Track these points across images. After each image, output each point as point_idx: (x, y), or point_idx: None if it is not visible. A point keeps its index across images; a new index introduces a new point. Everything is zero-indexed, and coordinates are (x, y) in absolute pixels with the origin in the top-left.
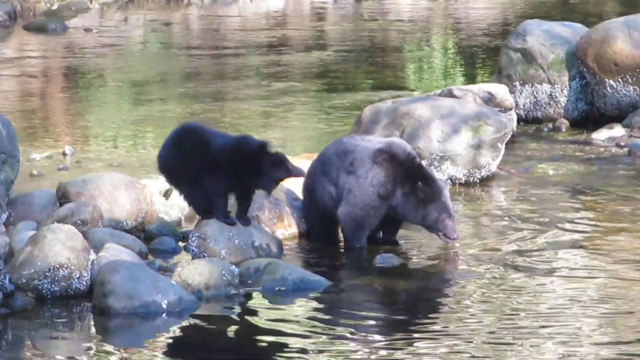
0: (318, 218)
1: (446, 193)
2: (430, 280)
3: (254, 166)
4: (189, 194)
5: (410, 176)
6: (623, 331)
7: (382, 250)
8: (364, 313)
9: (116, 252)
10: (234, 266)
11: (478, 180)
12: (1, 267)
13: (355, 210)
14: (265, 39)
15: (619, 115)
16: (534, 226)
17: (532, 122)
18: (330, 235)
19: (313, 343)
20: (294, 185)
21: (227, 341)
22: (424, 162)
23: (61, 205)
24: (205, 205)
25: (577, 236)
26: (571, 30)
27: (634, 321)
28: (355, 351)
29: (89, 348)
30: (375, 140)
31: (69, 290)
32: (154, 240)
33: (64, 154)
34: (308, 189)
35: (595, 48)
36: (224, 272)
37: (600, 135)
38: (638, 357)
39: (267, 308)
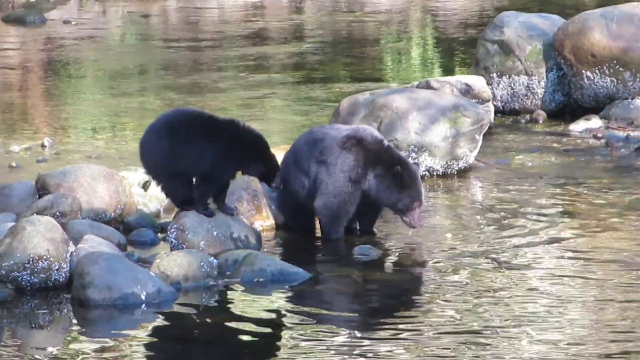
0: (293, 209)
1: (419, 178)
2: (408, 271)
3: (264, 164)
4: (169, 185)
5: (380, 159)
6: (601, 327)
7: (360, 241)
8: (342, 305)
9: (95, 243)
10: (212, 258)
11: (455, 172)
12: None
13: (330, 200)
14: (243, 31)
15: (596, 107)
16: (512, 218)
17: (509, 114)
18: (307, 226)
19: (291, 335)
20: None
21: (206, 332)
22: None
23: (40, 196)
24: (185, 197)
25: (555, 228)
26: (548, 22)
27: (612, 316)
28: (334, 343)
29: (68, 339)
30: (344, 128)
31: (48, 281)
32: (133, 232)
33: (43, 145)
34: (282, 179)
35: (572, 40)
36: (202, 263)
37: (578, 126)
38: (616, 356)
39: (246, 300)
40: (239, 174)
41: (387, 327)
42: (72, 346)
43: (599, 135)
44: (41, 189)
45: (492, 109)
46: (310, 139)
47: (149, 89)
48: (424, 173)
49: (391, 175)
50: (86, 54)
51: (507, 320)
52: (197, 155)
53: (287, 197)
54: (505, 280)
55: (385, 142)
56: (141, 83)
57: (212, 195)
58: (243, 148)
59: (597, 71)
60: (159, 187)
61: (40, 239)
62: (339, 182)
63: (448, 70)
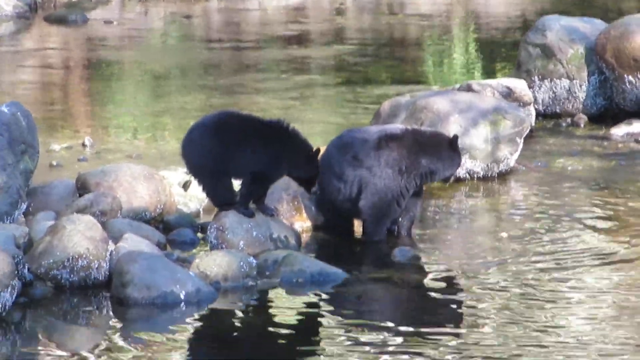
0: (329, 211)
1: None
2: (448, 275)
3: (311, 162)
4: (211, 185)
5: (421, 141)
6: None
7: (399, 243)
8: (381, 307)
9: (135, 242)
10: (252, 258)
11: (496, 175)
12: (20, 257)
13: (379, 198)
14: (284, 32)
15: (637, 111)
16: (553, 221)
17: (550, 117)
18: (345, 227)
19: (330, 336)
20: None
21: (245, 332)
22: None
23: (80, 195)
24: (227, 198)
25: (596, 233)
26: (590, 26)
27: None
28: (373, 345)
29: (107, 338)
30: (372, 131)
31: (87, 280)
32: (173, 232)
33: (84, 145)
34: (319, 182)
35: (614, 43)
36: (242, 263)
37: (619, 130)
38: None
39: (285, 300)
40: None
41: (425, 331)
42: (110, 344)
43: None
44: (81, 188)
45: (533, 112)
46: (341, 143)
47: (189, 89)
48: (464, 175)
49: (448, 146)
50: (127, 54)
51: (548, 324)
52: (249, 157)
53: (324, 199)
54: (547, 284)
55: (409, 127)
56: (182, 83)
57: (257, 195)
58: (295, 151)
59: (638, 75)
60: (200, 187)
61: (80, 238)
62: (388, 180)
63: (489, 73)
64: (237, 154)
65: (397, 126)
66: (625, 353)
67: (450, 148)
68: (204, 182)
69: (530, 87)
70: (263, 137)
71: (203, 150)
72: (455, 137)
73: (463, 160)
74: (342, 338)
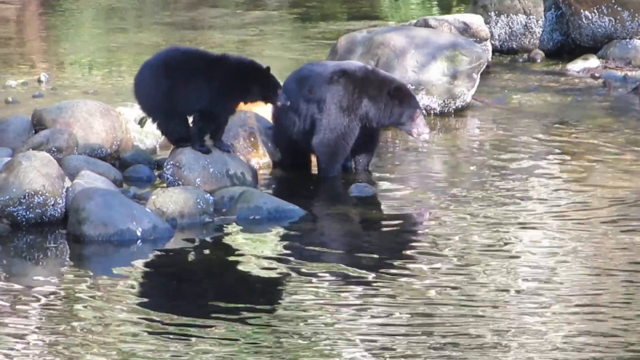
0: (286, 146)
1: (409, 89)
2: (404, 209)
3: (262, 86)
4: (165, 123)
5: (369, 82)
6: (594, 261)
7: (356, 179)
8: (338, 242)
9: (91, 179)
10: (208, 195)
11: (453, 111)
12: None
13: (327, 135)
14: None
15: (594, 47)
16: (509, 157)
17: (507, 53)
18: (302, 163)
19: (286, 272)
20: (268, 114)
21: (201, 269)
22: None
23: (36, 132)
24: (181, 134)
25: (553, 168)
26: None
27: (610, 256)
28: (329, 280)
29: (63, 275)
30: (330, 65)
31: (43, 217)
32: (129, 168)
33: (40, 80)
34: (275, 117)
35: None
36: (198, 200)
37: (575, 66)
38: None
39: (241, 237)
40: (238, 109)
41: (382, 264)
42: (67, 281)
43: (597, 74)
44: (37, 124)
45: (490, 47)
46: (299, 77)
47: (145, 25)
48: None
49: (387, 94)
50: None
51: (504, 257)
52: (195, 93)
53: (281, 134)
54: (503, 219)
55: (369, 67)
56: (138, 19)
57: (209, 131)
58: (238, 78)
59: (595, 11)
60: (155, 125)
61: (36, 175)
62: (332, 116)
63: (446, 9)
64: (184, 91)
65: (356, 63)
66: (582, 292)
67: (388, 97)
68: (157, 120)
69: (486, 22)
70: (207, 73)
71: (153, 89)
72: (396, 88)
73: (419, 97)
74: (298, 274)
